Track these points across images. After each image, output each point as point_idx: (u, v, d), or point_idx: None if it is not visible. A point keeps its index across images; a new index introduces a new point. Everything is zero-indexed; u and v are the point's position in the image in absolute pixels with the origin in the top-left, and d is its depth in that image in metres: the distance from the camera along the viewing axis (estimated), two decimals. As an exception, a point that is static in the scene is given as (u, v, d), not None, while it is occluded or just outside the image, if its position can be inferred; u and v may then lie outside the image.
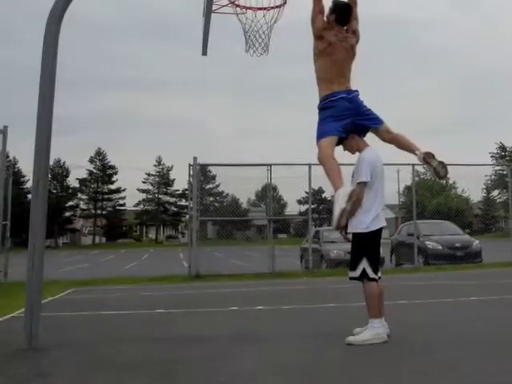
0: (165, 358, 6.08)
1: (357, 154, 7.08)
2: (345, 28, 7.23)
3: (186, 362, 5.91)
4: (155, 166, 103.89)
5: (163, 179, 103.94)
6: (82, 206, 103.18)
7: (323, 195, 72.74)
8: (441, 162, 6.99)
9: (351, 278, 6.86)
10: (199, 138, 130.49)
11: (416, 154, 7.08)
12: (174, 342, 7.10)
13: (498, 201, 65.82)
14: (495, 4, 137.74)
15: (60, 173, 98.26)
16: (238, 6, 8.44)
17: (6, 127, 16.90)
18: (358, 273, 6.72)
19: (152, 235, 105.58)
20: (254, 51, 8.55)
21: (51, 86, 7.21)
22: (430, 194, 40.16)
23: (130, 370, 5.57)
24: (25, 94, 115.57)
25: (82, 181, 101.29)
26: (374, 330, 6.58)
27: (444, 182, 40.66)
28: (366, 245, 6.76)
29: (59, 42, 7.30)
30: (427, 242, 22.58)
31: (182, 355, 6.25)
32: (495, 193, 68.22)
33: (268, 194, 20.92)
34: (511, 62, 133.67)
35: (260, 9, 8.42)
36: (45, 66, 7.21)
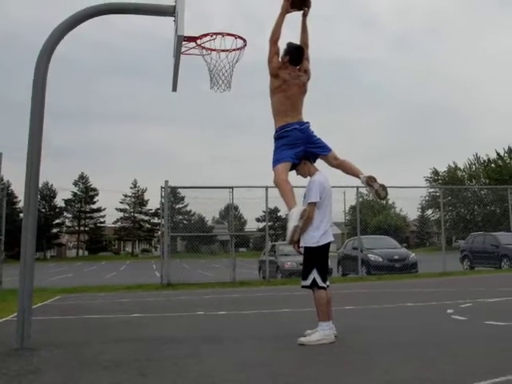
0: (141, 357, 6.04)
1: (308, 177, 7.15)
2: (297, 67, 7.33)
3: (159, 360, 5.89)
4: (131, 188, 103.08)
5: (138, 200, 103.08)
6: (68, 223, 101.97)
7: (278, 214, 73.02)
8: (381, 185, 7.08)
9: (303, 287, 6.90)
10: (170, 163, 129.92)
11: (360, 178, 7.16)
12: (148, 343, 7.05)
13: (432, 219, 66.30)
14: (429, 46, 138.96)
15: (48, 194, 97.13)
16: (203, 48, 8.48)
17: (0, 154, 16.77)
18: (309, 282, 6.77)
19: (128, 249, 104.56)
20: (218, 88, 8.59)
21: (40, 117, 7.18)
22: (372, 213, 40.43)
23: (110, 367, 5.54)
24: (17, 124, 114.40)
25: (67, 201, 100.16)
26: (323, 332, 6.63)
27: (384, 202, 41.01)
28: (316, 257, 6.81)
29: (48, 78, 7.29)
30: (369, 255, 22.77)
31: (156, 354, 6.24)
32: (429, 212, 68.54)
33: (230, 213, 20.96)
34: (444, 98, 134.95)
35: (223, 50, 8.46)
36: (35, 98, 7.19)
